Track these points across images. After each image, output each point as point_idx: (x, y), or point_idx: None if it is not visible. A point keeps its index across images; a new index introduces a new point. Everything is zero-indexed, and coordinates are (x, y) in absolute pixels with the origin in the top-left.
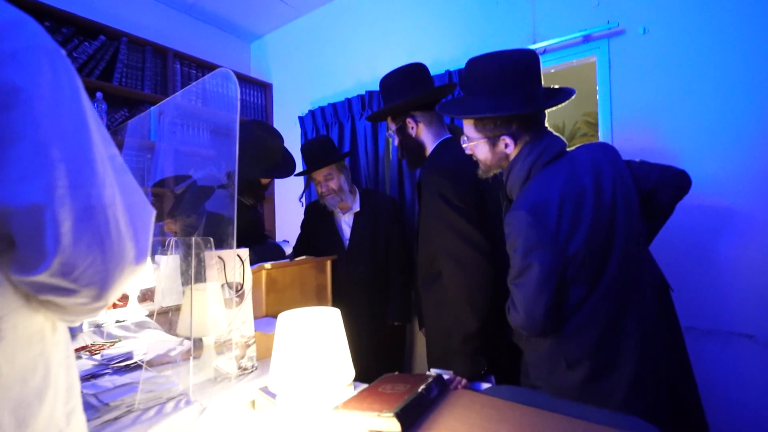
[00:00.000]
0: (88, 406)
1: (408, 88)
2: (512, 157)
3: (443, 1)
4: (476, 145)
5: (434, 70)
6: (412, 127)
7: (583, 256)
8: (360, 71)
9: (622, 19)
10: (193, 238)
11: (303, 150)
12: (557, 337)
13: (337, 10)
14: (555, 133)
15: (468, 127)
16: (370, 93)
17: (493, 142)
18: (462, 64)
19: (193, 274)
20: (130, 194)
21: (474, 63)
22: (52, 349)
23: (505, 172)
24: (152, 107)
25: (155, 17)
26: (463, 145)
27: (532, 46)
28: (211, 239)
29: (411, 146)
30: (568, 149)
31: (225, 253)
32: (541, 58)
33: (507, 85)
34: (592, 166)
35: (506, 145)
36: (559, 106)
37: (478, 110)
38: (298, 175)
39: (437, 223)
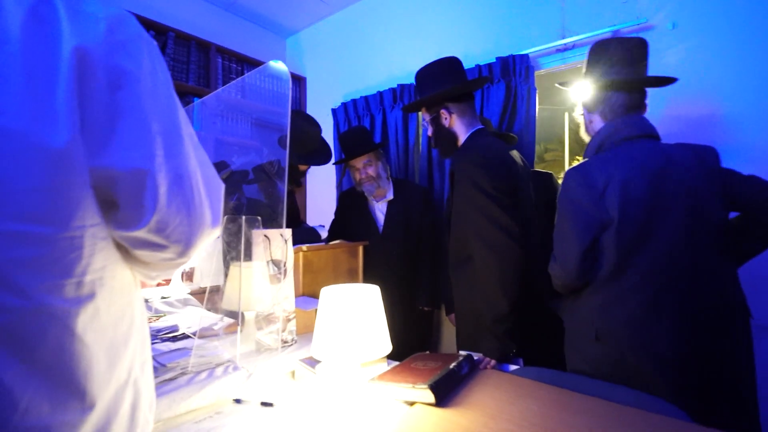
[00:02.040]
0: None
1: (443, 80)
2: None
3: (472, 1)
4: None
5: (464, 64)
6: (446, 118)
7: (617, 223)
8: (392, 65)
9: (650, 15)
10: (243, 218)
11: (341, 139)
12: (591, 307)
13: (370, 6)
14: (645, 118)
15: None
16: (401, 86)
17: (583, 117)
18: (492, 59)
19: (242, 251)
20: (206, 168)
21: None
22: (136, 302)
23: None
24: (196, 98)
25: (199, 13)
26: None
27: (561, 41)
28: (259, 218)
29: (444, 136)
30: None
31: (270, 232)
32: (570, 54)
33: (591, 65)
34: (667, 153)
35: (590, 121)
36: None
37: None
38: (338, 163)
39: (469, 208)
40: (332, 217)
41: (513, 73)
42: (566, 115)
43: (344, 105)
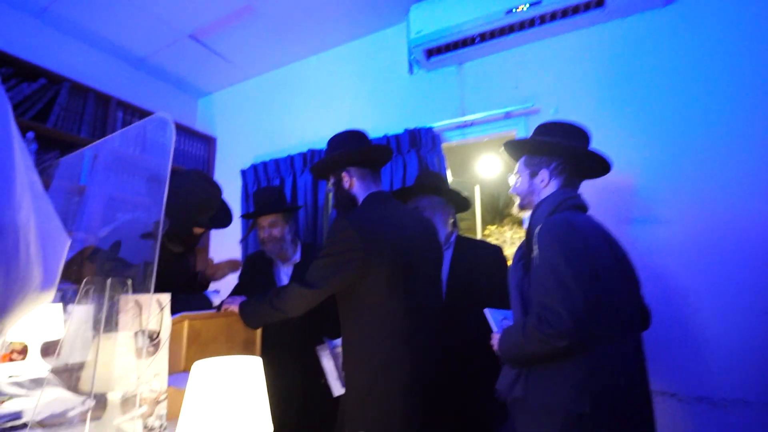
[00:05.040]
0: None
1: (347, 144)
2: (543, 195)
3: (382, 77)
4: (519, 178)
5: (374, 134)
6: (347, 181)
7: (605, 278)
8: (303, 131)
9: (536, 101)
10: (108, 280)
11: (254, 195)
12: (581, 371)
13: (284, 75)
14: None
15: (520, 162)
16: (312, 151)
17: (531, 175)
18: (400, 130)
19: (103, 320)
20: (46, 220)
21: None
22: None
23: (532, 210)
24: (85, 149)
25: (102, 66)
26: (510, 180)
27: (460, 119)
28: (129, 281)
29: (344, 198)
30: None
31: (143, 298)
32: (468, 130)
33: (561, 134)
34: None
35: (542, 180)
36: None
37: (534, 142)
38: (245, 217)
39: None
40: (237, 281)
41: (420, 143)
42: (477, 187)
43: (254, 167)
